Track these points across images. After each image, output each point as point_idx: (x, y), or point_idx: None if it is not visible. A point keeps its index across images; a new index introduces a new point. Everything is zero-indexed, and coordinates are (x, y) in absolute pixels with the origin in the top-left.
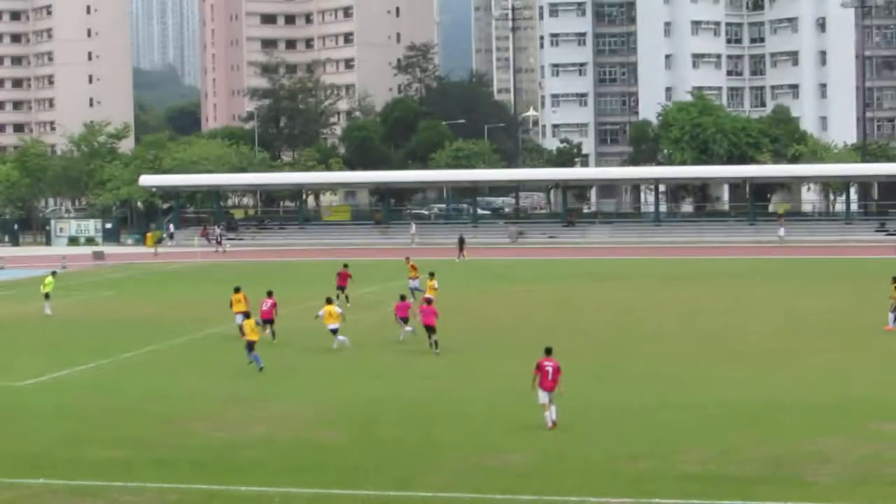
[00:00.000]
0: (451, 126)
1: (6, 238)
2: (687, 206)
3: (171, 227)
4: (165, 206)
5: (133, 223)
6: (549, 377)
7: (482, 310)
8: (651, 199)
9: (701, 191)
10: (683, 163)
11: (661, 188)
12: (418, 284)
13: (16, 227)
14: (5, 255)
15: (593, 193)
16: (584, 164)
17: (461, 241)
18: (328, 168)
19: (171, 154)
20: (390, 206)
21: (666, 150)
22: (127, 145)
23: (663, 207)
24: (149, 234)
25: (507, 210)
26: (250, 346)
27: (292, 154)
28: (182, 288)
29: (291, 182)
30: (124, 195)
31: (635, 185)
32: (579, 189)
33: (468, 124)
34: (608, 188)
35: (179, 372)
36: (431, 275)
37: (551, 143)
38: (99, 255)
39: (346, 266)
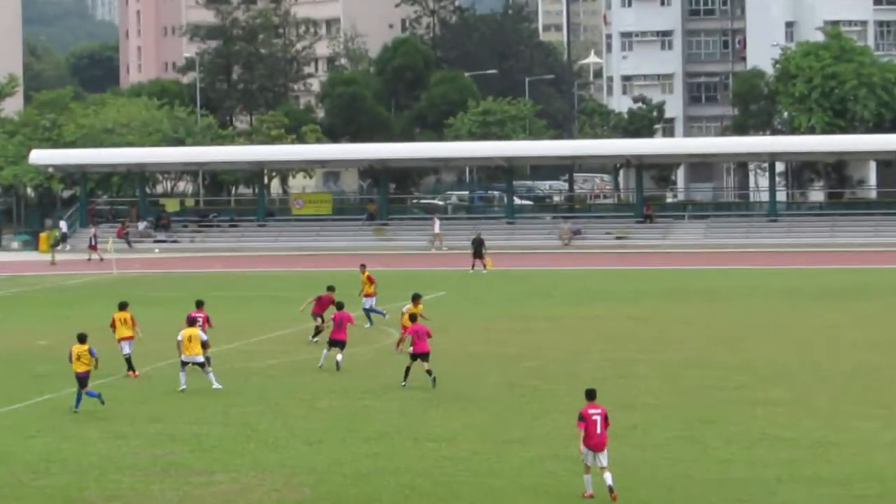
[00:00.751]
0: (476, 78)
1: None
2: (816, 194)
3: (63, 224)
4: (67, 193)
5: (21, 218)
6: (598, 430)
7: (516, 342)
8: (764, 183)
9: (836, 171)
10: (811, 131)
11: (779, 167)
12: (374, 304)
13: None
14: None
15: (680, 175)
16: (669, 132)
17: (478, 244)
18: (301, 140)
19: (76, 119)
20: (389, 194)
21: (786, 113)
22: (12, 106)
23: (781, 195)
24: (43, 234)
25: (556, 199)
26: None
27: (249, 119)
28: (90, 311)
29: (248, 159)
30: (7, 178)
31: (741, 164)
32: (660, 169)
33: (502, 76)
34: (702, 167)
35: (87, 430)
36: (416, 298)
37: (621, 103)
38: None
39: (331, 289)
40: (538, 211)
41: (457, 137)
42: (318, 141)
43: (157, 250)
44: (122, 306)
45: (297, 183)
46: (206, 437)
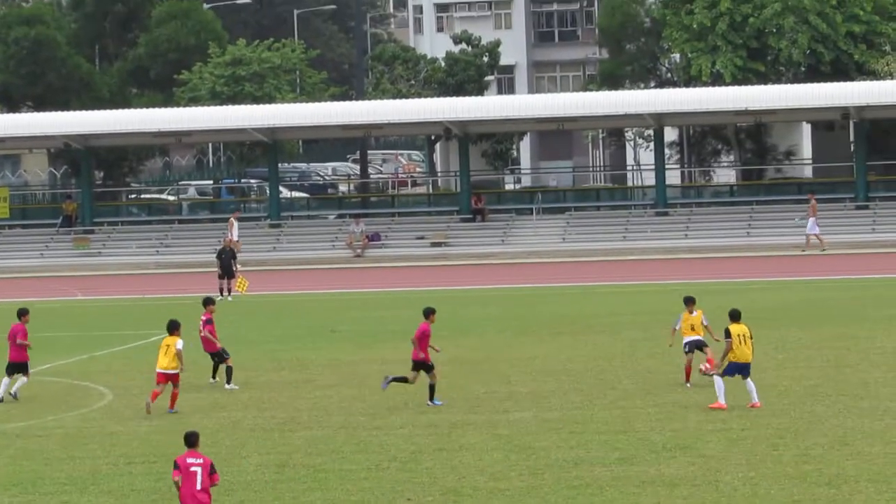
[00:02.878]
0: (222, 12)
1: None
2: (725, 173)
3: None
4: None
5: None
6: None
7: (288, 404)
8: (648, 159)
9: (753, 139)
10: (716, 80)
11: (669, 135)
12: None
13: None
14: None
15: (525, 150)
16: (507, 87)
17: (227, 258)
18: None
19: None
20: (95, 187)
21: (678, 55)
22: None
23: (674, 177)
24: None
25: (342, 189)
26: None
27: None
28: None
29: None
30: None
31: (613, 132)
32: (496, 142)
33: (259, 8)
34: (556, 139)
35: None
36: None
37: (435, 45)
38: None
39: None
40: (317, 207)
41: (194, 100)
42: None
43: None
44: None
45: None
46: None
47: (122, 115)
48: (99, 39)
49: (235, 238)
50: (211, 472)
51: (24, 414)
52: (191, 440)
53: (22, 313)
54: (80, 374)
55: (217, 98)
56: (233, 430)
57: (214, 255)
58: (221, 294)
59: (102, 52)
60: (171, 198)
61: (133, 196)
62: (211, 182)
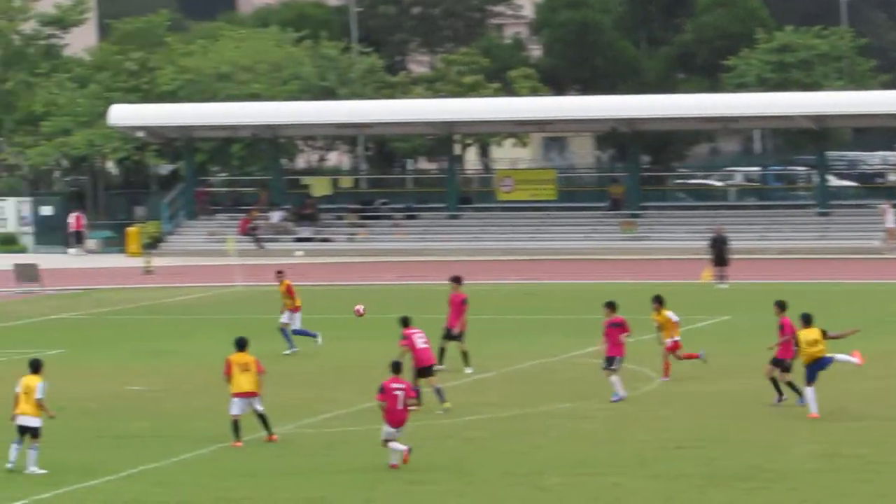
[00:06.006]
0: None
1: None
2: None
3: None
4: (167, 170)
5: (99, 206)
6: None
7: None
8: None
9: None
10: None
11: None
12: (296, 323)
13: None
14: None
15: None
16: None
17: (718, 245)
18: (509, 90)
19: (176, 59)
20: (641, 171)
21: None
22: (82, 40)
23: None
24: (132, 230)
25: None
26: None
27: (430, 58)
28: (202, 343)
29: (430, 119)
30: (79, 147)
31: None
32: None
33: None
34: None
35: None
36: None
37: None
38: (28, 273)
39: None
40: (865, 196)
41: (740, 86)
42: (534, 92)
43: (299, 252)
44: (241, 344)
45: (505, 154)
46: None
47: (669, 100)
48: (644, 24)
49: (892, 225)
50: (407, 393)
51: (568, 396)
52: (396, 368)
53: (611, 306)
54: (629, 357)
55: (764, 84)
56: (784, 418)
57: (708, 243)
58: (713, 279)
59: (650, 38)
60: (717, 184)
61: (679, 181)
62: (758, 168)
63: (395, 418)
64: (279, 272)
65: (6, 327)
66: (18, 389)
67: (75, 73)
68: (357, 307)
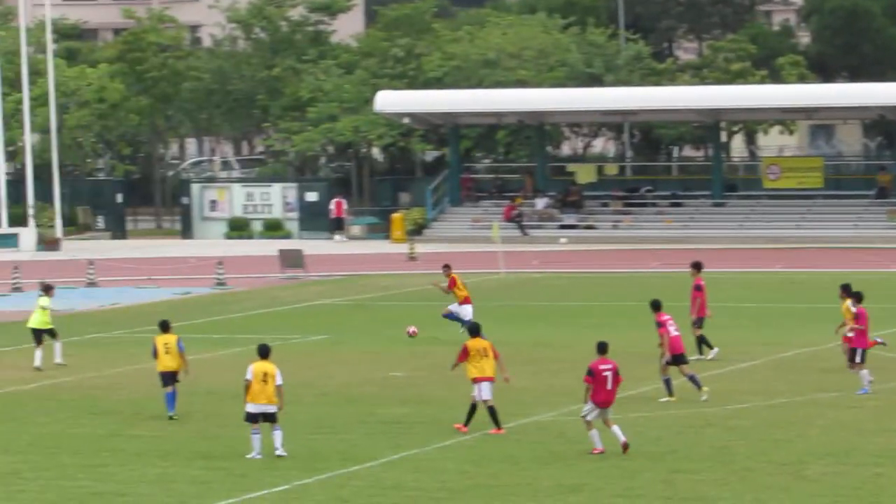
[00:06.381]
0: None
1: (100, 221)
2: None
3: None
4: (431, 156)
5: (364, 192)
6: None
7: None
8: None
9: None
10: None
11: None
12: (461, 311)
13: (120, 197)
14: (98, 258)
15: None
16: None
17: None
18: (776, 77)
19: (443, 46)
20: None
21: None
22: (348, 27)
23: None
24: (396, 216)
25: None
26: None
27: (698, 46)
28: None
29: (696, 106)
30: (345, 133)
31: None
32: None
33: None
34: None
35: None
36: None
37: None
38: (292, 259)
39: None
40: None
41: None
42: (802, 80)
43: (563, 239)
44: (474, 330)
45: (772, 142)
46: None
47: None
48: None
49: None
50: (615, 374)
51: (835, 385)
52: (601, 348)
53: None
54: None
55: None
56: None
57: None
58: None
59: None
60: None
61: None
62: None
63: (603, 398)
64: (446, 266)
65: (269, 313)
66: (249, 377)
67: (342, 60)
68: (409, 328)
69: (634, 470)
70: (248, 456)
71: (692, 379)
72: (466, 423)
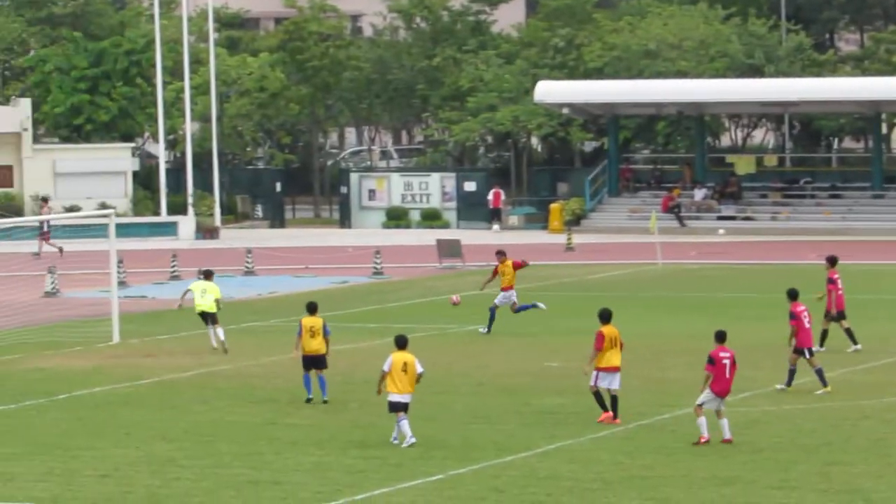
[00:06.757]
0: None
1: (259, 209)
2: None
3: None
4: (591, 146)
5: (523, 183)
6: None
7: None
8: None
9: None
10: None
11: None
12: (512, 299)
13: (278, 186)
14: (255, 247)
15: None
16: None
17: None
18: None
19: (603, 36)
20: None
21: None
22: (509, 16)
23: None
24: (555, 206)
25: None
26: None
27: (860, 38)
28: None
29: (856, 98)
30: (504, 123)
31: None
32: None
33: None
34: None
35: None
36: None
37: None
38: (450, 248)
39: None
40: None
41: None
42: None
43: (721, 231)
44: (606, 317)
45: None
46: None
47: None
48: None
49: None
50: (733, 363)
51: None
52: (720, 336)
53: None
54: None
55: None
56: None
57: None
58: None
59: None
60: None
61: None
62: None
63: (722, 387)
64: (499, 252)
65: (425, 303)
66: (387, 368)
67: (502, 50)
68: (453, 297)
69: (789, 462)
70: (404, 444)
71: (818, 373)
72: (607, 410)
